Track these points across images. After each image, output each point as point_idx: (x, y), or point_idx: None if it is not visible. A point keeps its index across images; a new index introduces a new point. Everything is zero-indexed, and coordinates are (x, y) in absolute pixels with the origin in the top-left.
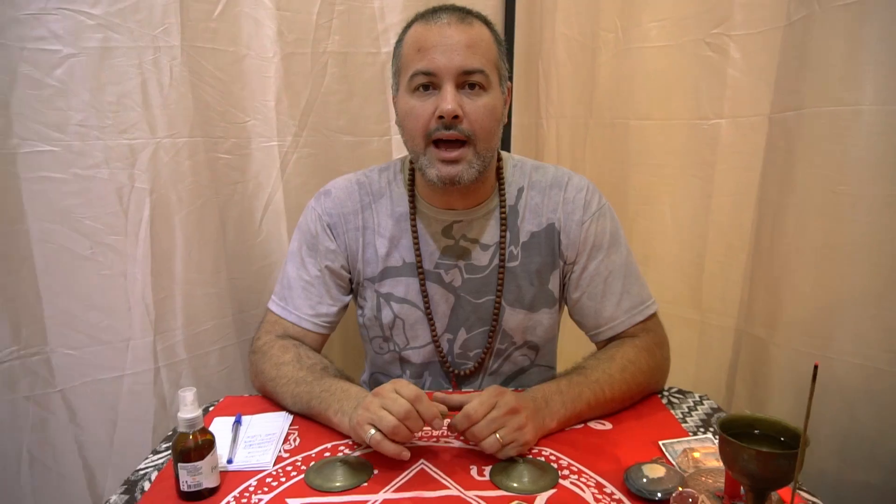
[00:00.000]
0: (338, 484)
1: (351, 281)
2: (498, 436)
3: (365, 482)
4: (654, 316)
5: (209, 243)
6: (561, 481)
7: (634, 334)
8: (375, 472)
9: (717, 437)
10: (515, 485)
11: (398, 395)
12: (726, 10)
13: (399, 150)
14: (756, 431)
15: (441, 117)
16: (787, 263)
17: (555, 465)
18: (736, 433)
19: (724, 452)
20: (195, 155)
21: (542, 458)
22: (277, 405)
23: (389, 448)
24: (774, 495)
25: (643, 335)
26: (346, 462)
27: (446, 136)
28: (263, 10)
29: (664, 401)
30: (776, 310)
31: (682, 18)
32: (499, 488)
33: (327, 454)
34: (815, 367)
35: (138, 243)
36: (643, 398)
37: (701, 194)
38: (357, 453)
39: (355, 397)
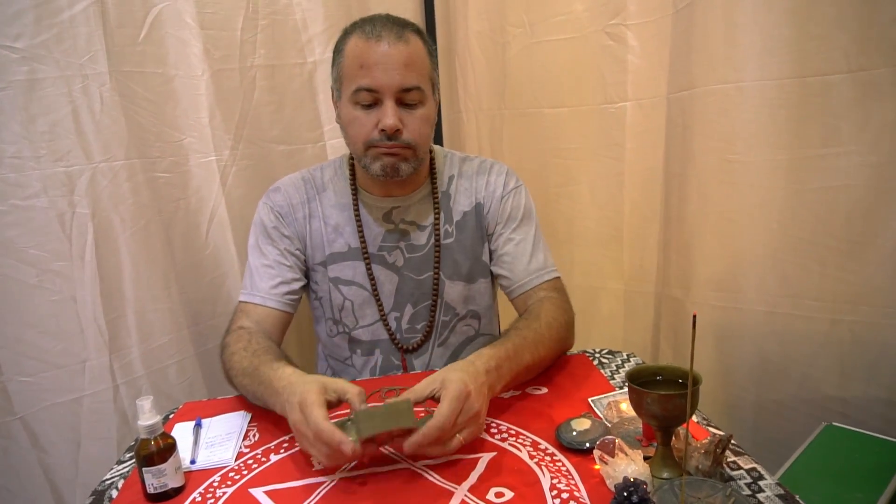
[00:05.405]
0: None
1: (306, 263)
2: (461, 437)
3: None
4: (559, 280)
5: (156, 261)
6: (500, 443)
7: (546, 293)
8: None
9: None
10: None
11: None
12: (621, 2)
13: (333, 156)
14: (659, 378)
15: (383, 130)
16: (694, 228)
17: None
18: (643, 382)
19: (633, 399)
20: (133, 176)
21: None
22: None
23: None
24: (682, 430)
25: (554, 294)
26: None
27: (388, 146)
28: (188, 31)
29: (595, 362)
30: (689, 272)
31: (583, 12)
32: None
33: (286, 445)
34: (694, 317)
35: (84, 267)
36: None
37: (614, 172)
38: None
39: (282, 390)
